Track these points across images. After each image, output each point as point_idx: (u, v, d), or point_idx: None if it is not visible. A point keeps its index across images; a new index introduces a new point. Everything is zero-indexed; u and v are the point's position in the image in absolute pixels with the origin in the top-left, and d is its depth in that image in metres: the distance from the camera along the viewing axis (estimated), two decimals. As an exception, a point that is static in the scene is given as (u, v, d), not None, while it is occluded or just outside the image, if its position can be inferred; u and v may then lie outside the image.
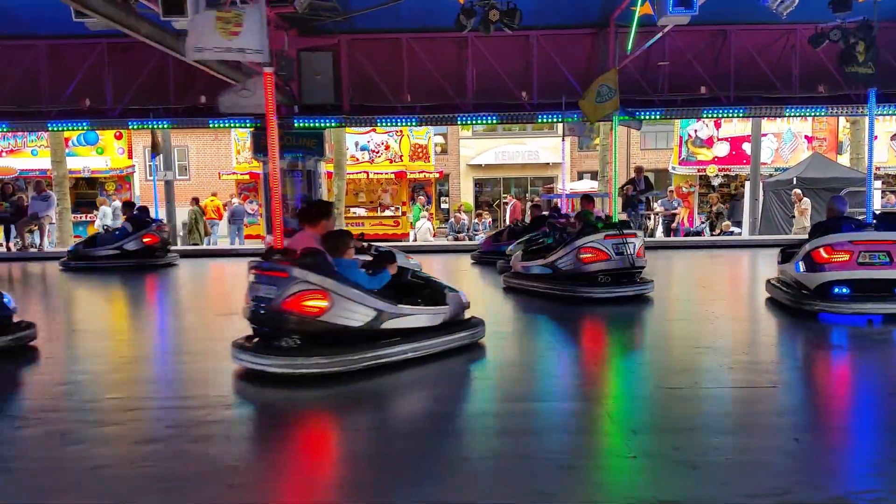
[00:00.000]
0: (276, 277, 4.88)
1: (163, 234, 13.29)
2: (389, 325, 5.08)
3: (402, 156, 24.17)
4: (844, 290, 6.65)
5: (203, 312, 8.81)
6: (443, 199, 29.60)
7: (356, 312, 4.91)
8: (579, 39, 14.11)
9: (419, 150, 24.26)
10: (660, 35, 11.23)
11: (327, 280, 4.83)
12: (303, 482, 3.29)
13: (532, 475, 3.22)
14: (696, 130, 24.01)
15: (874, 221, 7.27)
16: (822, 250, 6.78)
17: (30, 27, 13.45)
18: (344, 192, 20.47)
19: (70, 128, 16.09)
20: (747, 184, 19.63)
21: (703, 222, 21.64)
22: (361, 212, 23.56)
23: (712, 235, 19.24)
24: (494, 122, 14.67)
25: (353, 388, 4.64)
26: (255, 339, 5.08)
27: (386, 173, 23.93)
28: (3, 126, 15.02)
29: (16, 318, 6.03)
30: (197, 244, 18.24)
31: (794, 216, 18.21)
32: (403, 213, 23.37)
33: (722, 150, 23.98)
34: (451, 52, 14.20)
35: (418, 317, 5.30)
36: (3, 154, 22.31)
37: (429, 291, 5.58)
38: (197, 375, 5.43)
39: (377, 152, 24.18)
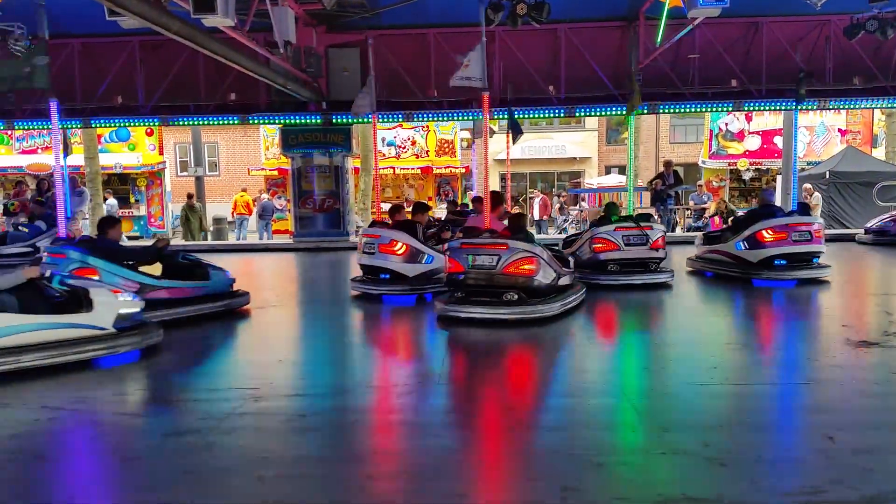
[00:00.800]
0: (495, 250, 6.59)
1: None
2: (560, 281, 6.95)
3: (428, 151, 24.19)
4: (783, 262, 8.64)
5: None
6: (468, 193, 29.54)
7: (549, 273, 6.70)
8: (608, 33, 14.00)
9: (445, 145, 24.25)
10: (690, 28, 11.08)
11: (536, 248, 6.66)
12: (332, 476, 3.32)
13: (560, 470, 3.21)
14: (726, 124, 23.67)
15: (797, 209, 9.38)
16: (764, 232, 8.72)
17: (64, 26, 13.69)
18: (371, 188, 20.54)
19: (103, 124, 16.36)
20: (779, 178, 19.31)
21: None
22: (388, 206, 23.65)
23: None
24: (521, 116, 14.60)
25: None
26: (459, 295, 6.71)
27: (412, 168, 23.96)
28: (39, 123, 15.32)
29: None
30: (188, 241, 18.04)
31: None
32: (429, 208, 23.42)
33: (753, 143, 23.62)
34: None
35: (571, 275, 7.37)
36: (39, 151, 22.76)
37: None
38: (229, 368, 5.51)
39: (403, 147, 24.23)
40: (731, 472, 3.17)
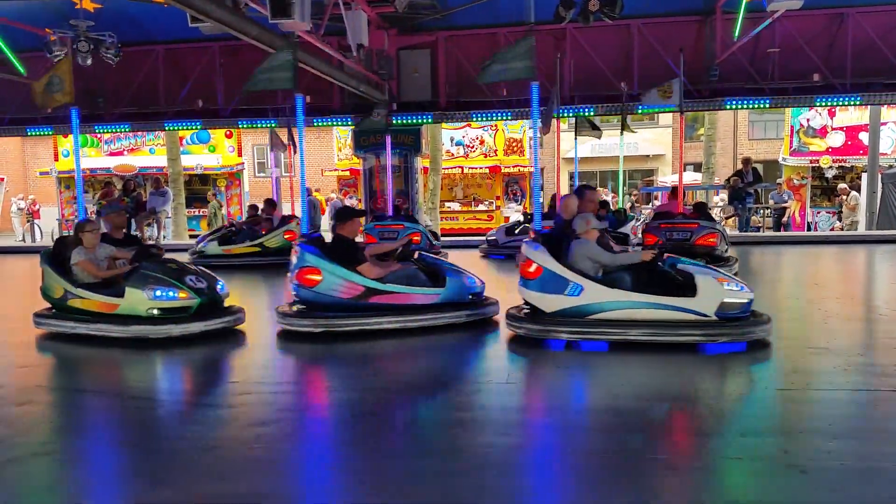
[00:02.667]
0: (687, 228, 9.04)
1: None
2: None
3: (496, 150, 24.17)
4: None
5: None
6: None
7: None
8: (683, 27, 13.67)
9: (514, 144, 24.17)
10: (770, 21, 10.71)
11: (718, 225, 9.29)
12: (405, 471, 3.38)
13: (635, 473, 3.18)
14: (808, 120, 22.69)
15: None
16: None
17: (149, 33, 14.35)
18: (439, 187, 20.69)
19: (184, 127, 17.03)
20: (864, 176, 18.41)
21: (829, 214, 20.39)
22: (456, 206, 23.76)
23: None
24: (591, 114, 14.40)
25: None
26: None
27: (480, 168, 23.99)
28: (126, 126, 16.07)
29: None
30: None
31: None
32: (497, 208, 23.39)
33: (836, 140, 22.57)
34: (547, 45, 14.07)
35: None
36: (124, 152, 23.90)
37: None
38: (303, 362, 5.67)
39: (472, 147, 24.29)
40: (812, 480, 3.07)
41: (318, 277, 6.05)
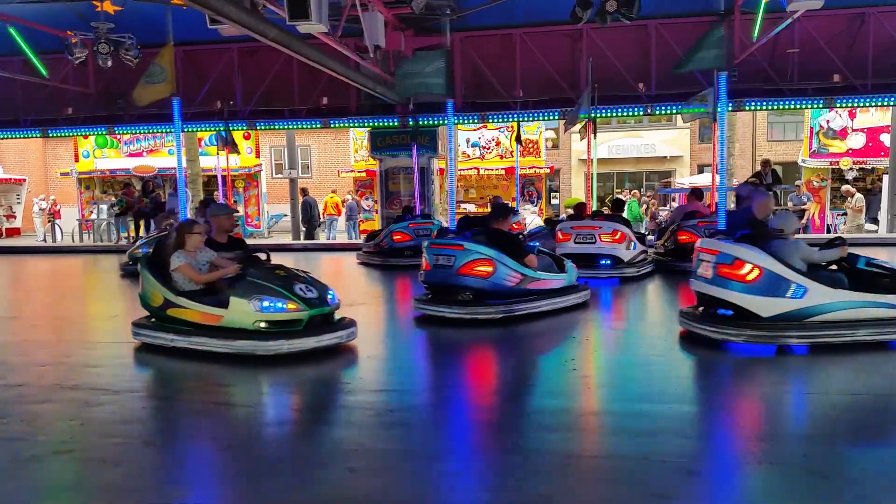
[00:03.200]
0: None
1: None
2: None
3: (512, 151, 24.12)
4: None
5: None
6: (553, 194, 29.28)
7: None
8: (701, 27, 13.50)
9: (530, 145, 24.10)
10: (789, 21, 10.61)
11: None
12: (418, 472, 3.38)
13: (650, 477, 3.16)
14: (828, 121, 22.43)
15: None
16: None
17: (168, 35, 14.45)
18: (455, 188, 20.70)
19: (203, 128, 17.16)
20: (885, 177, 18.18)
21: (840, 216, 20.14)
22: (471, 207, 23.75)
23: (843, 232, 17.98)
24: (609, 115, 14.34)
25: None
26: None
27: (496, 169, 23.96)
28: (145, 128, 16.22)
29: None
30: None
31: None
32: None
33: (857, 141, 22.30)
34: (564, 46, 14.05)
35: None
36: (144, 154, 24.12)
37: None
38: (329, 361, 5.68)
39: (488, 148, 24.25)
40: (833, 486, 3.03)
41: (490, 269, 6.61)
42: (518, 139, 13.26)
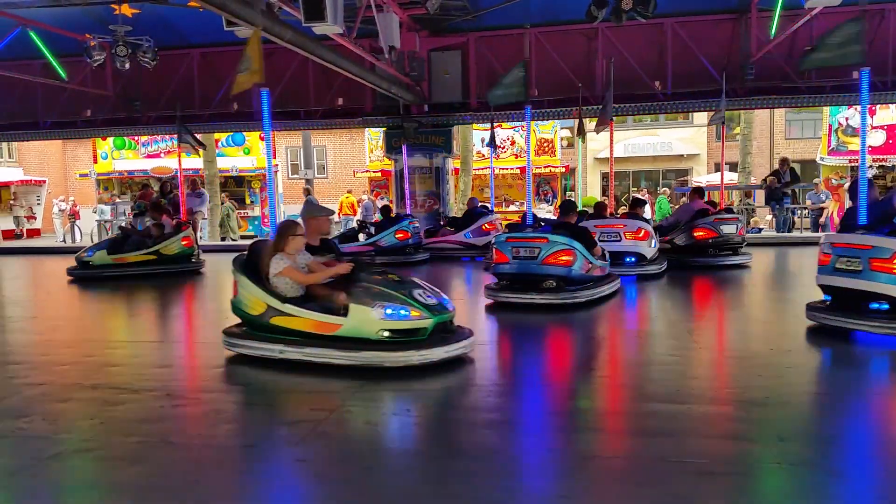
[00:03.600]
0: (733, 221, 10.74)
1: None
2: None
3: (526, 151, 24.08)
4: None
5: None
6: (568, 193, 29.18)
7: None
8: (718, 26, 13.48)
9: (545, 144, 24.04)
10: (807, 17, 10.51)
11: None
12: (435, 471, 3.39)
13: (669, 479, 3.14)
14: (847, 118, 22.19)
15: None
16: None
17: (185, 37, 14.59)
18: (470, 188, 20.70)
19: (220, 130, 17.29)
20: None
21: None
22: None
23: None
24: (625, 113, 14.28)
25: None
26: None
27: (511, 168, 23.92)
28: (163, 129, 16.37)
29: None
30: (226, 238, 18.59)
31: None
32: (529, 209, 23.32)
33: (877, 139, 22.04)
34: (579, 45, 14.00)
35: None
36: (162, 155, 24.33)
37: None
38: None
39: (503, 148, 24.21)
40: (854, 486, 3.00)
41: (571, 258, 7.41)
42: (492, 142, 13.38)
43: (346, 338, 4.97)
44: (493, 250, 7.96)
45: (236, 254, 5.83)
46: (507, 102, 9.20)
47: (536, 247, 7.56)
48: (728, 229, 10.57)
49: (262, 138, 23.39)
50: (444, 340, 5.05)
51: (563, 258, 7.42)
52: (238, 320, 5.66)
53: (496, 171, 23.92)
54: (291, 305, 5.16)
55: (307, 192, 19.53)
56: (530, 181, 9.35)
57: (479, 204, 14.34)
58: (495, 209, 23.46)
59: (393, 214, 13.25)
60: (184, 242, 11.63)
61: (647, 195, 22.56)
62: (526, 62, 9.18)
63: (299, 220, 5.65)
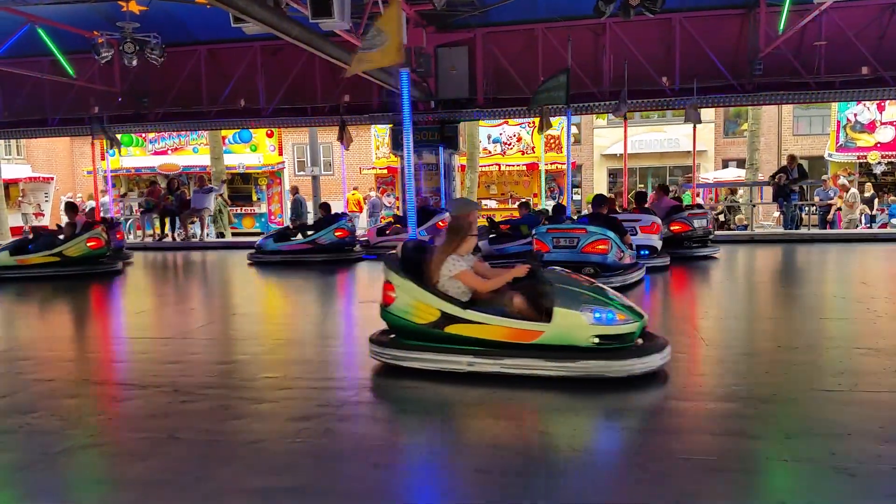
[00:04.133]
0: (704, 216, 11.71)
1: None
2: None
3: (534, 147, 24.02)
4: None
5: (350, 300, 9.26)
6: (575, 190, 29.13)
7: None
8: (726, 21, 13.43)
9: (552, 140, 23.99)
10: (817, 13, 10.45)
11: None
12: (442, 468, 3.39)
13: (675, 475, 3.13)
14: (855, 114, 22.07)
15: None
16: None
17: (192, 34, 14.62)
18: (476, 185, 20.69)
19: (227, 127, 17.32)
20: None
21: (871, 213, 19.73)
22: (493, 204, 23.72)
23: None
24: (633, 109, 14.23)
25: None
26: None
27: (517, 165, 23.89)
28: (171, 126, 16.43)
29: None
30: (222, 233, 18.65)
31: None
32: (535, 206, 23.28)
33: (886, 135, 21.91)
34: (587, 40, 13.96)
35: None
36: (169, 152, 24.42)
37: None
38: (344, 359, 5.72)
39: (509, 144, 24.19)
40: (861, 484, 2.99)
41: (607, 247, 8.25)
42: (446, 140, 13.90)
43: (546, 346, 4.49)
44: (533, 241, 8.81)
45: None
46: (546, 104, 10.22)
47: (575, 237, 8.39)
48: (699, 223, 11.49)
49: (269, 135, 23.38)
50: (657, 346, 4.60)
51: (600, 247, 8.19)
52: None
53: (503, 168, 23.96)
54: (475, 311, 4.62)
55: (295, 190, 19.50)
56: (570, 177, 10.31)
57: (429, 201, 14.46)
58: (500, 205, 23.59)
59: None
60: (90, 244, 11.04)
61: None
62: (568, 69, 9.62)
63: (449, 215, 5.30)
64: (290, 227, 13.68)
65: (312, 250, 12.32)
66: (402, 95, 5.85)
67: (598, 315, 4.44)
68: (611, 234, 8.30)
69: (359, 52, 5.72)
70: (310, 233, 12.70)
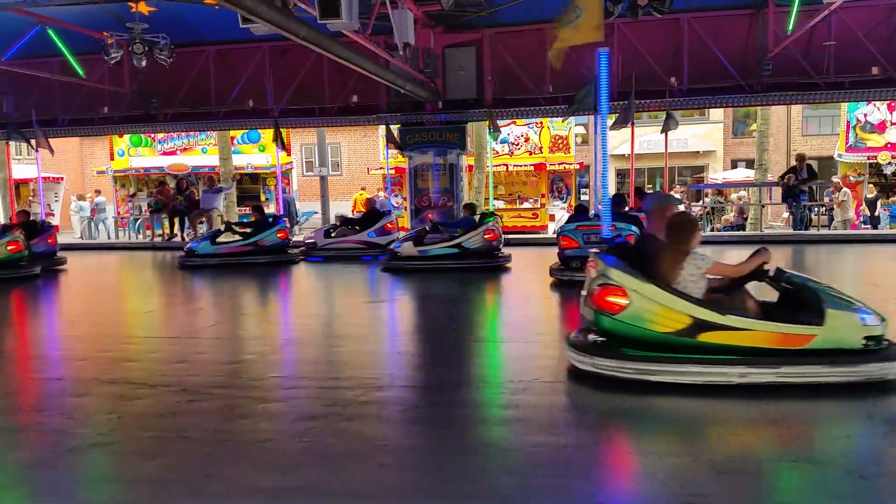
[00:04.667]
0: None
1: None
2: None
3: (541, 147, 23.97)
4: None
5: (353, 300, 9.26)
6: (583, 190, 29.07)
7: None
8: (735, 21, 13.36)
9: (559, 141, 23.92)
10: (826, 12, 10.39)
11: None
12: (447, 468, 3.39)
13: (684, 475, 3.12)
14: (865, 115, 21.93)
15: None
16: None
17: (200, 34, 14.66)
18: (484, 185, 20.65)
19: (235, 127, 17.36)
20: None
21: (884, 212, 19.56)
22: (500, 204, 23.69)
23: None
24: (641, 109, 14.17)
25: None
26: None
27: (525, 165, 23.84)
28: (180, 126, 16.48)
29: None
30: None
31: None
32: (542, 206, 23.23)
33: (894, 135, 21.77)
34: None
35: None
36: (178, 152, 24.49)
37: None
38: (349, 357, 5.73)
39: (517, 144, 24.14)
40: (873, 486, 2.97)
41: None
42: (391, 140, 14.06)
43: (818, 351, 4.23)
44: (560, 238, 9.18)
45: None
46: (587, 109, 10.42)
47: None
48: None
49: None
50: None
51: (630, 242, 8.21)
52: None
53: (510, 169, 23.91)
54: (736, 317, 4.27)
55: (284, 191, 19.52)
56: (599, 179, 9.92)
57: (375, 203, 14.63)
58: (508, 206, 23.56)
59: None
60: (10, 248, 10.74)
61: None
62: (594, 77, 9.56)
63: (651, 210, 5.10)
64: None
65: (253, 252, 12.30)
66: (598, 78, 5.73)
67: (863, 315, 4.29)
68: (635, 229, 8.58)
69: (555, 29, 5.45)
70: (248, 231, 12.73)
